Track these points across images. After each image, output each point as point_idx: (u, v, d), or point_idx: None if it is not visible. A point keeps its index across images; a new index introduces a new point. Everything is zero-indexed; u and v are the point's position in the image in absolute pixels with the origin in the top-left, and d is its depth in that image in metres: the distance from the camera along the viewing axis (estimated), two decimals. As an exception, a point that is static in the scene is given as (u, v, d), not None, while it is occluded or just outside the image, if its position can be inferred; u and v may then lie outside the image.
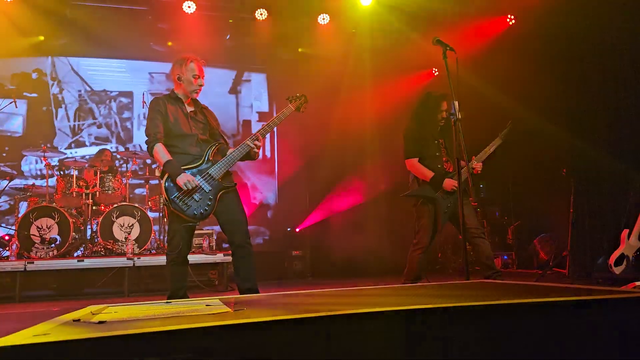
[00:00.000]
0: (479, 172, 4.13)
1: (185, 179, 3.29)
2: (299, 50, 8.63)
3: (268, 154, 9.19)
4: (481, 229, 4.02)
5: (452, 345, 1.47)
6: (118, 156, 7.64)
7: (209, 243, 6.40)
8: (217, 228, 6.55)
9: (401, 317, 1.46)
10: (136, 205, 6.27)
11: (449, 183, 3.95)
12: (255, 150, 3.50)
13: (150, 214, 6.37)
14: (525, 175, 7.24)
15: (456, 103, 3.44)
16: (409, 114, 4.28)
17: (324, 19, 8.18)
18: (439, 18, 7.15)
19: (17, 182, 7.11)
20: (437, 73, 8.34)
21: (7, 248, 5.73)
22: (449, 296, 2.07)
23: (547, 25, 6.39)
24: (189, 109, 3.58)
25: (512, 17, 7.26)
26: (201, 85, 3.58)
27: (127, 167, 6.93)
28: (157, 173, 6.44)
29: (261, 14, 7.93)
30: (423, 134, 4.11)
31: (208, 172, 3.39)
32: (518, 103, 6.64)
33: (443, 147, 4.18)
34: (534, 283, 2.73)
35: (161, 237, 6.67)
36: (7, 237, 6.46)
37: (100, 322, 1.58)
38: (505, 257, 7.42)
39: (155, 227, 6.54)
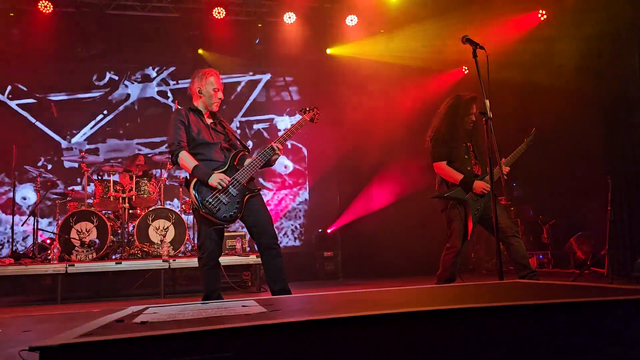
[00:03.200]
0: (505, 176, 4.10)
1: (217, 177, 3.37)
2: (327, 51, 8.67)
3: (298, 158, 9.25)
4: (515, 228, 3.96)
5: (485, 346, 1.47)
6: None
7: (242, 245, 6.48)
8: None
9: (435, 317, 1.47)
10: (171, 208, 6.41)
11: (479, 185, 3.91)
12: (277, 156, 3.57)
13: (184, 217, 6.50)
14: (560, 172, 7.07)
15: (487, 102, 3.40)
16: (437, 116, 4.23)
17: (352, 20, 8.21)
18: (468, 15, 7.06)
19: (57, 187, 7.36)
20: (467, 71, 8.24)
21: (49, 251, 5.94)
22: (482, 297, 2.06)
23: (580, 19, 6.25)
24: (209, 120, 3.68)
25: (544, 12, 7.12)
26: (220, 99, 3.68)
27: (161, 172, 7.09)
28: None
29: (289, 17, 8.02)
30: (453, 137, 4.08)
31: (234, 177, 3.46)
32: (552, 100, 6.51)
33: (471, 150, 4.15)
34: (571, 283, 2.67)
35: (193, 239, 6.79)
36: (49, 241, 6.69)
37: (142, 323, 1.64)
38: (541, 256, 7.28)
39: (190, 230, 6.66)
